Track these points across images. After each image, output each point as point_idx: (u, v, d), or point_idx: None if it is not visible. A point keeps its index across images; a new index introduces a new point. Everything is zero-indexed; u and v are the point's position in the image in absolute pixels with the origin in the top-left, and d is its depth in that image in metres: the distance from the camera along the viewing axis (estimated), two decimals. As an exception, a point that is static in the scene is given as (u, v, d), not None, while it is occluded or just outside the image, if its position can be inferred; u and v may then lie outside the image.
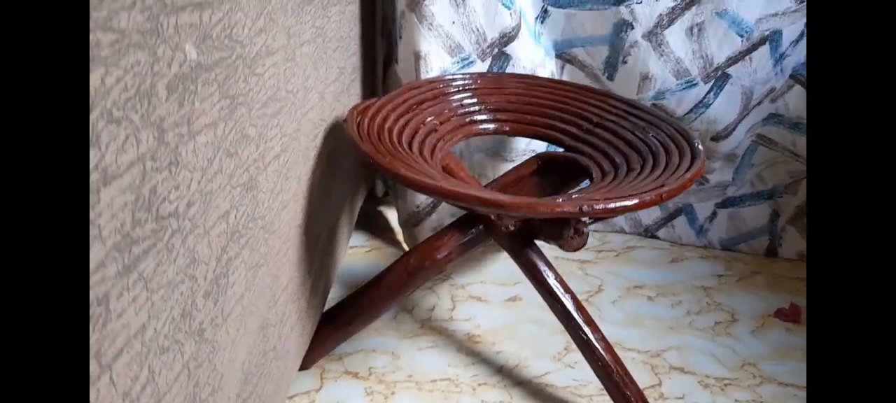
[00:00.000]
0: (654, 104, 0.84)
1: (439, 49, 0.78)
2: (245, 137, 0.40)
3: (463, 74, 0.76)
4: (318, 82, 0.59)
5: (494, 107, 0.73)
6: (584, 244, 0.49)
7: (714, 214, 0.99)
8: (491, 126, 0.72)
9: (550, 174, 0.70)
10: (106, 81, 0.25)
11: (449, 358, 0.74)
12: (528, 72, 0.82)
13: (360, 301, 0.69)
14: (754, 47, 0.80)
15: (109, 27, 0.25)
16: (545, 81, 0.76)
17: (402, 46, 0.79)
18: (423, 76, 0.78)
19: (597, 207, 0.47)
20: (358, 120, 0.62)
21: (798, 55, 0.82)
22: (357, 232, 0.98)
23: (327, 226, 0.69)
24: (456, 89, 0.74)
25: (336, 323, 0.69)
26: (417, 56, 0.78)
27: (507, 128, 0.73)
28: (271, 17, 0.44)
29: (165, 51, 0.29)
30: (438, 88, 0.73)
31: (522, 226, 0.64)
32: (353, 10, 0.74)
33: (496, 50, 0.80)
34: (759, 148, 0.92)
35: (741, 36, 0.79)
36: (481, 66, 0.81)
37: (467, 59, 0.80)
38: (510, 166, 0.82)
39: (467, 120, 0.72)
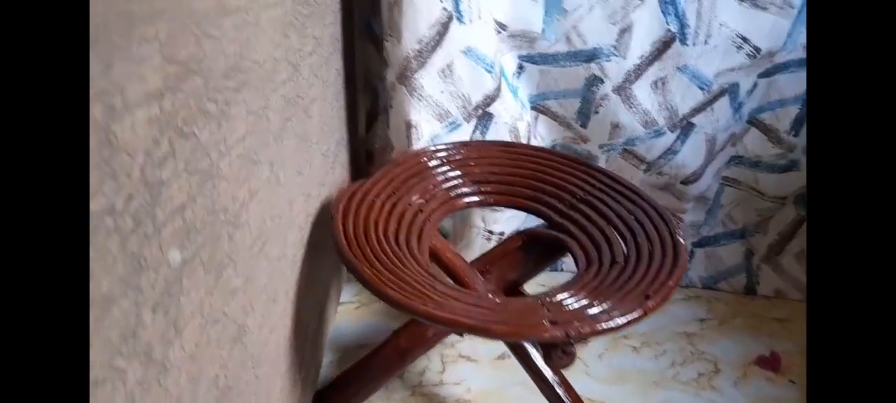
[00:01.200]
0: (625, 150, 0.86)
1: (429, 117, 0.78)
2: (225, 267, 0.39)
3: (447, 146, 0.76)
4: (303, 183, 0.58)
5: (478, 179, 0.74)
6: (573, 363, 0.50)
7: (692, 253, 1.02)
8: (475, 198, 0.73)
9: (534, 248, 0.71)
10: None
11: (440, 428, 0.76)
12: (509, 126, 0.82)
13: (351, 383, 0.70)
14: (715, 98, 0.83)
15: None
16: (528, 150, 0.76)
17: (392, 115, 0.79)
18: (415, 143, 0.79)
19: (584, 330, 0.48)
20: (343, 212, 0.62)
21: (753, 103, 0.86)
22: (347, 284, 0.98)
23: (317, 311, 0.70)
24: (440, 162, 0.74)
25: (327, 404, 0.70)
26: (408, 125, 0.78)
27: (492, 201, 0.73)
28: (255, 155, 0.44)
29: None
30: (422, 162, 0.73)
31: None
32: (337, 92, 0.73)
33: (480, 111, 0.81)
34: (725, 189, 0.96)
35: (702, 89, 0.82)
36: (467, 127, 0.82)
37: (455, 123, 0.80)
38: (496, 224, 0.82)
39: (452, 194, 0.72)
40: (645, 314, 0.51)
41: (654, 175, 0.91)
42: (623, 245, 0.62)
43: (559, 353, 0.51)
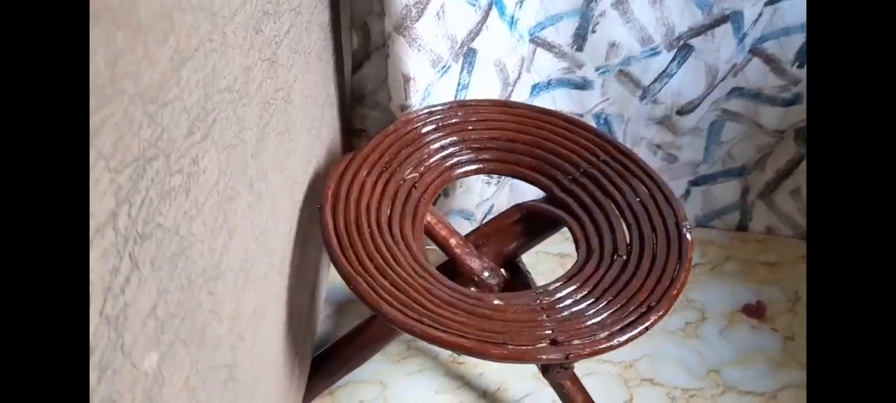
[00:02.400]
0: (621, 71, 0.84)
1: (426, 66, 0.72)
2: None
3: (442, 107, 0.71)
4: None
5: (476, 145, 0.69)
6: (571, 375, 0.50)
7: (687, 193, 1.01)
8: (473, 167, 0.69)
9: (533, 223, 0.68)
10: None
11: (436, 384, 0.78)
12: (494, 61, 0.77)
13: (344, 352, 0.70)
14: (716, 23, 0.80)
15: None
16: (530, 112, 0.71)
17: (390, 68, 0.73)
18: (412, 96, 0.73)
19: (584, 353, 0.47)
20: (333, 200, 0.59)
21: (756, 32, 0.83)
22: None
23: (309, 291, 0.68)
24: (435, 126, 0.69)
25: (322, 373, 0.71)
26: (407, 79, 0.72)
27: (490, 169, 0.69)
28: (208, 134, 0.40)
29: None
30: (415, 130, 0.68)
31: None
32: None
33: (465, 47, 0.75)
34: (726, 124, 0.93)
35: (701, 9, 0.79)
36: (455, 68, 0.76)
37: (445, 66, 0.74)
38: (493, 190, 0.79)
39: (448, 163, 0.68)
40: (646, 329, 0.50)
41: (649, 104, 0.88)
42: (626, 232, 0.60)
43: (557, 369, 0.50)
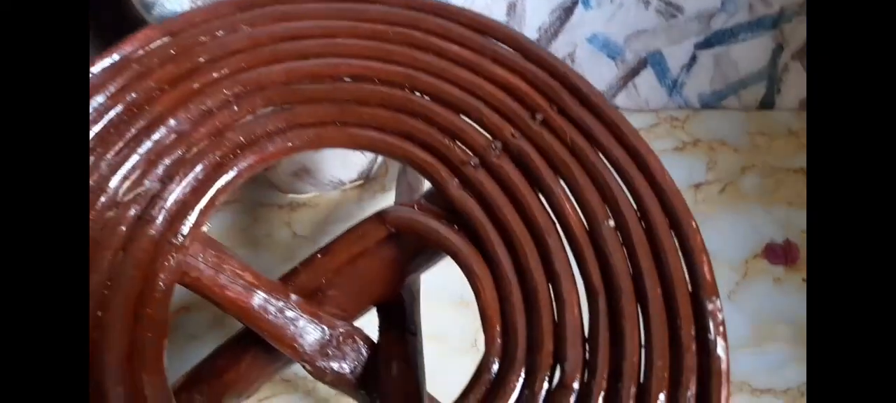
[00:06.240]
0: None
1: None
2: None
3: (206, 10, 0.34)
4: None
5: (274, 95, 0.34)
6: None
7: (693, 59, 0.67)
8: (287, 143, 0.34)
9: (410, 239, 0.36)
10: None
11: None
12: None
13: None
14: None
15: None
16: (393, 8, 0.35)
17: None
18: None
19: None
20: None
21: None
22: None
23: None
24: (205, 57, 0.33)
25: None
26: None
27: (322, 142, 0.35)
28: None
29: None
30: (178, 55, 0.32)
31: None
32: None
33: None
34: None
35: None
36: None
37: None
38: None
39: (218, 152, 0.33)
40: None
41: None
42: (582, 309, 0.29)
43: None
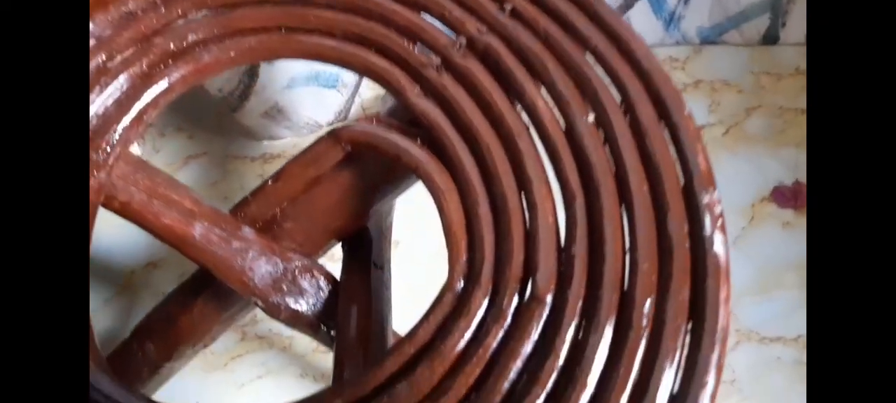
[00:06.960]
0: None
1: None
2: None
3: None
4: None
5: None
6: None
7: (689, -8, 0.63)
8: (227, 53, 0.30)
9: (371, 161, 0.32)
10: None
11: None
12: None
13: None
14: None
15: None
16: None
17: None
18: None
19: None
20: None
21: None
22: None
23: None
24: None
25: None
26: None
27: (266, 52, 0.31)
28: None
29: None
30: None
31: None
32: None
33: None
34: None
35: None
36: None
37: None
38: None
39: (169, 45, 0.29)
40: None
41: None
42: (560, 214, 0.25)
43: None
